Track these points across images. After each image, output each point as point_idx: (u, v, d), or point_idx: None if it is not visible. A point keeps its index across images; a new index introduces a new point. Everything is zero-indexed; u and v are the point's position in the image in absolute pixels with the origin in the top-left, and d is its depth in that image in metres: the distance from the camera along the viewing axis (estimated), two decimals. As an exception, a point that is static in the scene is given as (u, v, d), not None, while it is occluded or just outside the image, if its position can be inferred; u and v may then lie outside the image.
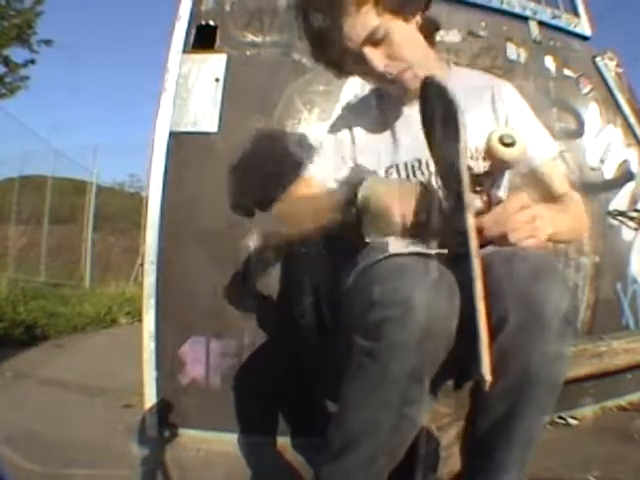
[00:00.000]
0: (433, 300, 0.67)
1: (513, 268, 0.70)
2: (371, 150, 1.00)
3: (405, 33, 0.87)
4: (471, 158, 0.91)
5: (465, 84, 0.98)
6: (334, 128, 1.07)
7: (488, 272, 0.70)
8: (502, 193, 0.80)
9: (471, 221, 0.68)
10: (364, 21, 0.83)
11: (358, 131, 1.02)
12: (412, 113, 0.94)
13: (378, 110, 1.01)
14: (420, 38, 0.92)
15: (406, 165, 0.95)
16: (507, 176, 0.97)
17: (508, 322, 0.67)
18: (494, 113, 0.99)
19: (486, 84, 1.02)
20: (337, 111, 1.11)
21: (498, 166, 0.74)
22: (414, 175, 0.95)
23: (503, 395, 0.69)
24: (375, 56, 0.86)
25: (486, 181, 0.76)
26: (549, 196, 0.97)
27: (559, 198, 0.97)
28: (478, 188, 0.77)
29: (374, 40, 0.85)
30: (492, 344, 0.65)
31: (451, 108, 0.74)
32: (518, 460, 0.71)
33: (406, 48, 0.87)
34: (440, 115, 0.78)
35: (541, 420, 0.72)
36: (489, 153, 0.73)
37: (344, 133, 1.03)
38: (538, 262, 0.71)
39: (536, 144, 0.96)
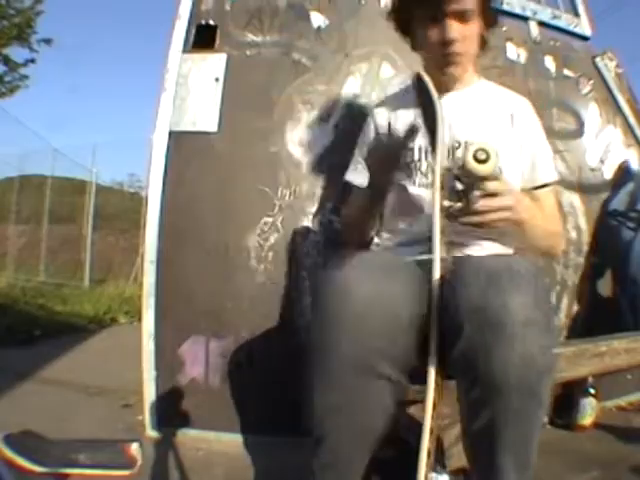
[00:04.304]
0: (366, 284, 0.71)
1: (468, 273, 0.71)
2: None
3: (477, 38, 1.01)
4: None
5: (488, 96, 1.10)
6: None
7: (448, 278, 0.74)
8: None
9: (438, 213, 0.77)
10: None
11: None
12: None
13: (405, 101, 1.08)
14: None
15: (420, 148, 1.01)
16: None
17: (464, 330, 0.66)
18: (512, 132, 1.06)
19: (508, 102, 1.10)
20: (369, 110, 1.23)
21: (472, 179, 0.80)
22: (426, 158, 1.01)
23: (478, 405, 0.69)
24: (454, 27, 0.95)
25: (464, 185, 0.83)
26: None
27: None
28: (459, 186, 0.82)
29: (464, 17, 0.95)
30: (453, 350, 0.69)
31: (432, 104, 0.84)
32: (515, 463, 0.70)
33: (474, 47, 1.02)
34: (426, 109, 0.89)
35: (530, 424, 0.69)
36: (464, 167, 0.78)
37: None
38: (494, 266, 0.71)
39: (540, 168, 1.07)
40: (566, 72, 1.82)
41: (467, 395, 0.71)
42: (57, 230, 8.08)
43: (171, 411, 1.48)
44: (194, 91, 1.58)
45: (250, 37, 1.63)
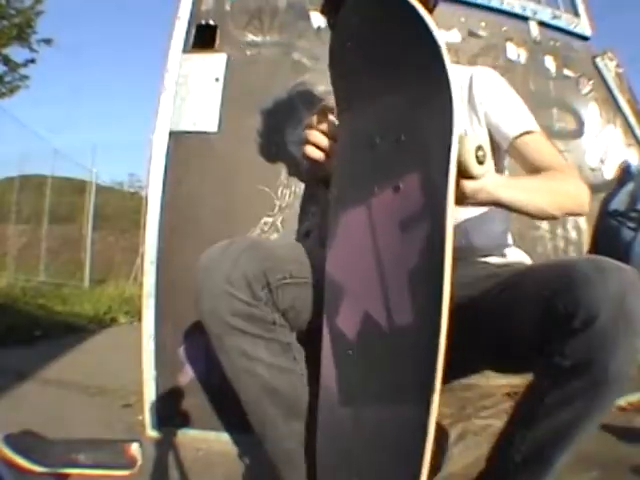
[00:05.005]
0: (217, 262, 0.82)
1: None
2: None
3: None
4: None
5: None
6: None
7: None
8: None
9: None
10: None
11: None
12: None
13: None
14: None
15: None
16: None
17: (598, 318, 0.65)
18: (469, 103, 0.99)
19: (466, 75, 1.01)
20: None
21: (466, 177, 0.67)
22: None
23: (575, 396, 0.68)
24: None
25: None
26: (533, 169, 0.94)
27: (544, 171, 0.92)
28: None
29: None
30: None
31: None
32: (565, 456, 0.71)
33: None
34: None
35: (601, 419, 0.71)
36: (462, 165, 0.65)
37: None
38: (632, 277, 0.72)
39: (506, 123, 0.97)
40: (566, 72, 1.82)
41: (562, 386, 0.69)
42: (57, 230, 8.08)
43: (171, 411, 1.48)
44: (194, 91, 1.58)
45: (250, 37, 1.63)
